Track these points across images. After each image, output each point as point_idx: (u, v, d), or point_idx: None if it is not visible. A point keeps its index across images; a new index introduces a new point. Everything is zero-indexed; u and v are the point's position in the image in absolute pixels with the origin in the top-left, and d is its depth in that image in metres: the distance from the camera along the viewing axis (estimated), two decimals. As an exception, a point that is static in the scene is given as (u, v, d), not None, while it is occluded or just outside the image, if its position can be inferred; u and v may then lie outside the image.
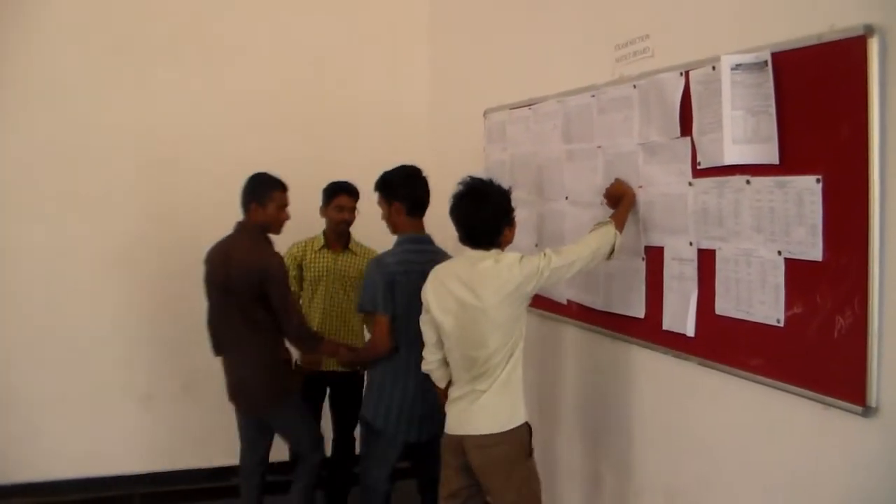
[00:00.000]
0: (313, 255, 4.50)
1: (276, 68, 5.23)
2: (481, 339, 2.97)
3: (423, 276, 3.27)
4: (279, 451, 4.26)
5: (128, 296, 5.05)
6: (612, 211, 3.16)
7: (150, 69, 5.00)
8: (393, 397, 3.62)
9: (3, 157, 4.80)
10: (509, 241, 3.10)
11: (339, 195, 4.40)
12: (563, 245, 3.18)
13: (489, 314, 2.95)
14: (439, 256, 3.57)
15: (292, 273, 4.42)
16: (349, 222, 4.45)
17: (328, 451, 4.77)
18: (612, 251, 3.03)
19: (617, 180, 3.20)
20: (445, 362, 3.19)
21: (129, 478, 5.07)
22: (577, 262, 3.00)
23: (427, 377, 3.35)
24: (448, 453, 3.18)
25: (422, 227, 3.67)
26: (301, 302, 4.52)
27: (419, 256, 3.54)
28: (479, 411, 3.04)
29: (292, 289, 4.37)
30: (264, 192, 3.87)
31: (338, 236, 4.50)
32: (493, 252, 3.02)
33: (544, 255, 2.98)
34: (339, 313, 4.52)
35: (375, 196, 3.71)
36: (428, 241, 3.67)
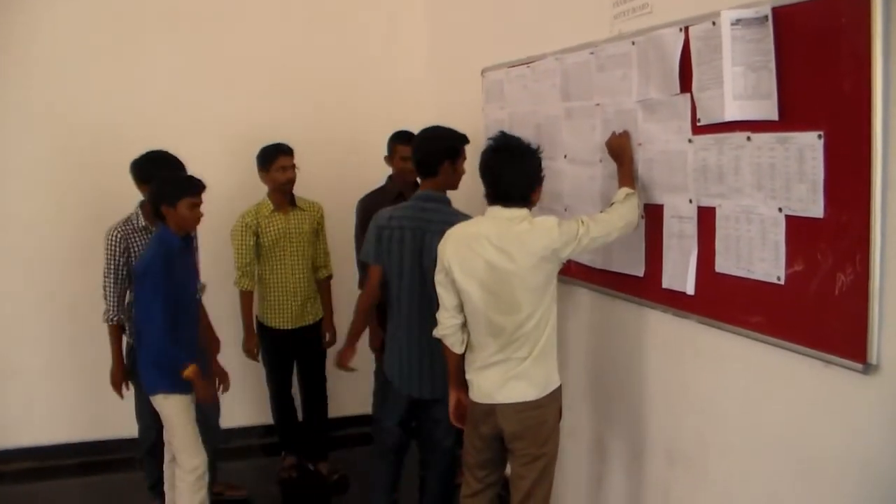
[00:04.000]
0: (266, 221, 4.58)
1: (270, 30, 5.21)
2: (514, 304, 2.90)
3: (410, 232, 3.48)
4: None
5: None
6: (613, 164, 3.15)
7: (142, 34, 4.98)
8: (393, 351, 3.69)
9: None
10: (537, 202, 3.04)
11: (280, 156, 4.54)
12: (564, 207, 3.14)
13: (523, 277, 2.88)
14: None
15: (250, 242, 4.54)
16: (293, 180, 4.60)
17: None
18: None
19: (621, 134, 3.13)
20: (463, 327, 3.11)
21: (131, 441, 5.11)
22: (613, 233, 2.96)
23: (424, 336, 3.36)
24: (477, 421, 3.12)
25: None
26: (262, 268, 4.66)
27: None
28: (518, 379, 2.98)
29: (249, 257, 4.55)
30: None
31: (283, 196, 4.61)
32: (524, 212, 2.94)
33: (581, 222, 2.92)
34: (299, 270, 4.65)
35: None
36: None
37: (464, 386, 3.19)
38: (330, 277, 4.84)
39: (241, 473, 5.07)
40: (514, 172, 2.94)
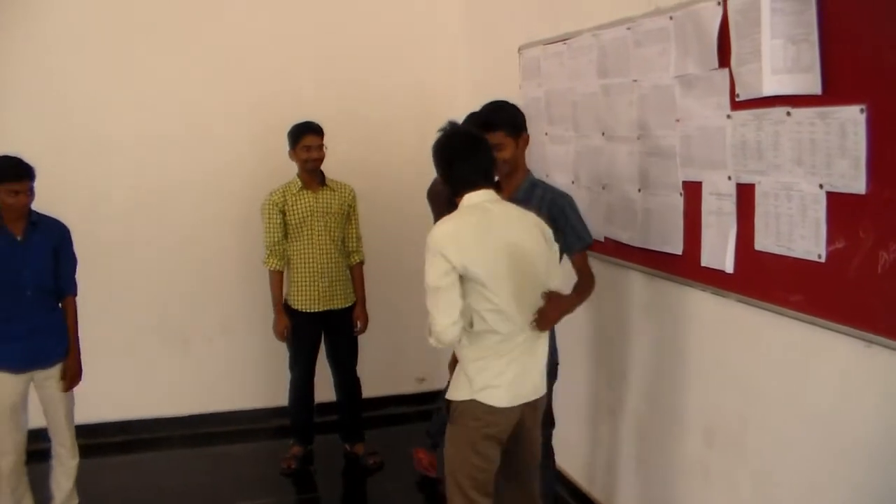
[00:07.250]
0: (294, 198, 4.55)
1: (306, 4, 5.19)
2: (539, 279, 2.86)
3: None
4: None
5: (163, 239, 5.13)
6: (651, 140, 3.09)
7: (161, 11, 5.00)
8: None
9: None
10: None
11: (305, 135, 4.50)
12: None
13: (538, 252, 2.86)
14: None
15: (277, 220, 4.54)
16: (319, 160, 4.55)
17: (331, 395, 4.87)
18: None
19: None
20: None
21: (170, 420, 5.22)
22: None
23: None
24: (501, 428, 2.86)
25: None
26: (290, 248, 4.60)
27: None
28: (541, 366, 2.93)
29: (278, 236, 4.53)
30: None
31: (310, 175, 4.57)
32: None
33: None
34: (326, 250, 4.60)
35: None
36: None
37: None
38: (362, 263, 4.74)
39: (249, 457, 5.09)
40: (490, 153, 2.90)
